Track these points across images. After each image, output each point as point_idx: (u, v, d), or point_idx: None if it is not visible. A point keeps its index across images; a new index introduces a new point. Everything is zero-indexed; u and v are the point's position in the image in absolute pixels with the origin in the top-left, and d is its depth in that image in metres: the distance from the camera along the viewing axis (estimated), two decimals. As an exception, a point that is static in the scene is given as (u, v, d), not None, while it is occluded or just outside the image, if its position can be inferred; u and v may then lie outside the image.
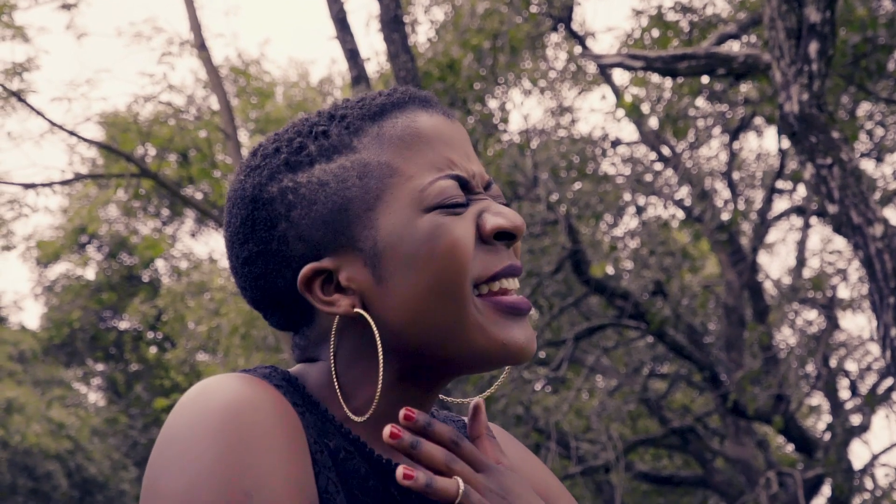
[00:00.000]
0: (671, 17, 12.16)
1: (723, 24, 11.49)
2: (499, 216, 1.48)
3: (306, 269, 1.47)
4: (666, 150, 15.29)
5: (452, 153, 1.51)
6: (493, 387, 1.62)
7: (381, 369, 1.44)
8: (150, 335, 28.09)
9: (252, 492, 1.25)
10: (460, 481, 1.35)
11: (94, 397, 30.88)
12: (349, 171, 1.48)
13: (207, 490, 1.24)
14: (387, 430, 1.33)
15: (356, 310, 1.45)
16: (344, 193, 1.47)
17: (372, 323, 1.44)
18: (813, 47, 6.30)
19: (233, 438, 1.27)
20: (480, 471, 1.41)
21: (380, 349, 1.44)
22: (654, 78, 13.39)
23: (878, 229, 6.14)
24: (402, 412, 1.37)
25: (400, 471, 1.31)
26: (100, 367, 29.89)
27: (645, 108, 13.36)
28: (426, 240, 1.43)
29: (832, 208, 6.28)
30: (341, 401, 1.47)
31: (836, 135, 6.27)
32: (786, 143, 14.91)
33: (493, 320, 1.45)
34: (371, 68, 11.01)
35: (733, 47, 9.96)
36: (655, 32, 12.11)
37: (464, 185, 1.49)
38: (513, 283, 1.50)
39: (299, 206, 1.49)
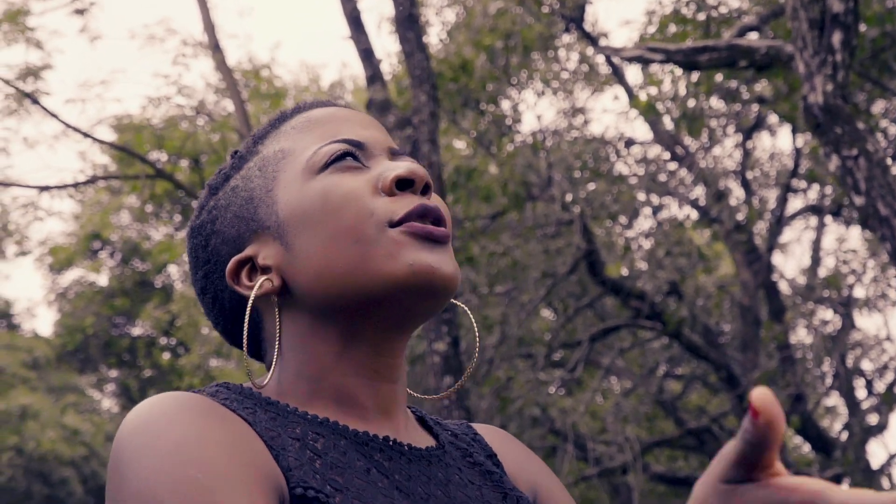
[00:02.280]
0: (687, 11, 12.11)
1: (742, 18, 11.44)
2: (396, 168, 1.47)
3: (230, 263, 1.50)
4: (680, 150, 15.24)
5: (343, 125, 1.54)
6: (464, 376, 1.59)
7: (277, 319, 1.46)
8: (163, 341, 28.10)
9: (198, 477, 1.22)
10: None
11: (108, 403, 30.92)
12: (252, 169, 1.55)
13: (159, 494, 1.21)
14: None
15: (277, 283, 1.46)
16: (248, 186, 1.53)
17: (285, 289, 1.46)
18: (836, 37, 6.24)
19: (170, 443, 1.26)
20: None
21: (277, 321, 1.46)
22: (668, 79, 13.36)
23: (906, 221, 6.08)
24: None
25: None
26: (113, 373, 29.91)
27: (660, 107, 13.32)
28: (318, 197, 1.45)
29: (858, 200, 6.22)
30: (272, 371, 1.47)
31: (861, 125, 6.22)
32: (800, 142, 14.88)
33: (402, 246, 1.41)
34: (383, 69, 10.99)
35: (753, 40, 9.88)
36: (672, 28, 12.06)
37: (357, 146, 1.51)
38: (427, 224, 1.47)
39: (220, 216, 1.55)
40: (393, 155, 1.54)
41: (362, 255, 1.41)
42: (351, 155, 1.49)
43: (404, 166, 1.47)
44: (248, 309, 1.47)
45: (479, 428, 1.70)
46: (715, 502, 0.94)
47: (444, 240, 1.45)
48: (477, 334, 1.68)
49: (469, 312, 1.61)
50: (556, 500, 1.62)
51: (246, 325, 1.47)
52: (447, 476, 1.47)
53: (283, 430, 1.37)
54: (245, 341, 1.47)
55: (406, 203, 1.45)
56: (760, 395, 0.89)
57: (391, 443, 1.43)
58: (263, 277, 1.47)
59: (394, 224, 1.43)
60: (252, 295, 1.47)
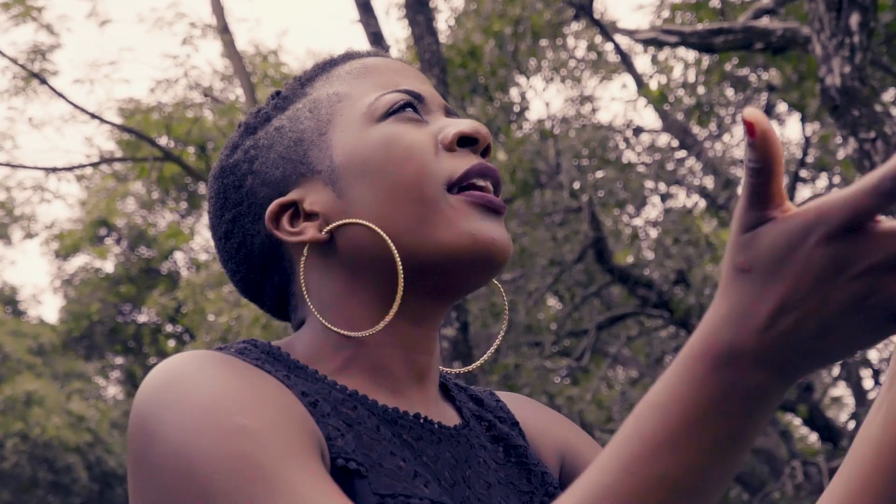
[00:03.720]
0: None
1: (756, 1, 11.39)
2: (458, 125, 1.43)
3: (272, 205, 1.43)
4: (688, 139, 15.20)
5: (401, 77, 1.50)
6: (478, 361, 1.53)
7: (398, 262, 1.37)
8: (169, 328, 28.12)
9: (246, 425, 1.14)
10: None
11: (114, 390, 30.96)
12: (301, 110, 1.48)
13: (203, 448, 1.13)
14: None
15: (325, 230, 1.40)
16: (297, 128, 1.46)
17: (363, 222, 1.38)
18: (854, 19, 6.19)
19: (210, 394, 1.19)
20: None
21: (388, 242, 1.36)
22: (677, 68, 13.32)
23: (924, 204, 6.01)
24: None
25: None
26: (119, 360, 29.92)
27: (670, 96, 13.29)
28: (380, 146, 1.40)
29: (876, 184, 6.15)
30: (328, 325, 1.39)
31: (878, 108, 6.17)
32: (809, 131, 14.84)
33: (462, 214, 1.37)
34: (392, 55, 10.94)
35: (769, 22, 9.84)
36: (685, 16, 12.03)
37: (417, 98, 1.46)
38: (487, 185, 1.42)
39: (260, 155, 1.48)
40: (448, 113, 1.50)
41: (421, 217, 1.37)
42: (412, 107, 1.44)
43: (468, 123, 1.43)
44: (304, 257, 1.42)
45: (502, 395, 1.65)
46: (742, 258, 0.94)
47: (502, 211, 1.41)
48: (506, 312, 1.64)
49: (503, 291, 1.58)
50: (584, 456, 1.57)
51: (301, 271, 1.42)
52: (472, 456, 1.42)
53: (319, 397, 1.31)
54: (304, 290, 1.41)
55: (466, 161, 1.41)
56: (751, 112, 0.90)
57: (422, 420, 1.39)
58: (310, 224, 1.41)
59: (453, 183, 1.39)
60: (297, 240, 1.41)
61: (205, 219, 26.56)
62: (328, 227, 1.40)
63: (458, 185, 1.39)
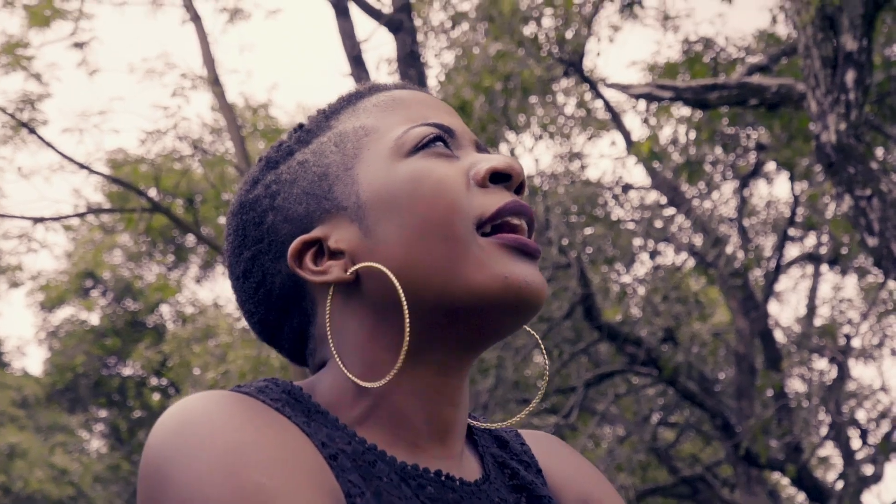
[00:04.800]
0: (692, 54, 12.12)
1: (747, 57, 11.44)
2: (491, 160, 1.37)
3: (295, 242, 1.37)
4: (677, 196, 15.22)
5: (430, 110, 1.44)
6: (523, 412, 1.46)
7: (406, 316, 1.31)
8: (153, 381, 28.01)
9: (263, 483, 1.11)
10: None
11: (97, 444, 30.77)
12: (326, 144, 1.43)
13: (215, 488, 1.10)
14: None
15: (350, 270, 1.34)
16: (322, 162, 1.41)
17: (381, 268, 1.32)
18: (850, 76, 6.20)
19: (226, 443, 1.15)
20: None
21: (399, 292, 1.31)
22: (667, 126, 13.36)
23: (920, 263, 6.02)
24: None
25: None
26: (103, 413, 29.79)
27: (659, 151, 13.32)
28: (408, 181, 1.34)
29: (872, 241, 6.15)
30: (346, 372, 1.34)
31: (874, 165, 6.16)
32: (798, 189, 14.86)
33: (496, 256, 1.32)
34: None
35: (764, 78, 9.88)
36: (679, 72, 12.07)
37: (447, 132, 1.40)
38: (522, 224, 1.36)
39: (282, 190, 1.42)
40: (478, 148, 1.44)
41: (452, 257, 1.31)
42: (441, 140, 1.38)
43: (501, 158, 1.37)
44: (330, 296, 1.36)
45: (528, 437, 1.58)
46: None
47: (536, 254, 1.35)
48: (546, 362, 1.57)
49: (539, 339, 1.53)
50: None
51: (328, 312, 1.36)
52: None
53: (339, 448, 1.26)
54: (329, 332, 1.36)
55: (499, 198, 1.35)
56: None
57: (443, 478, 1.33)
58: (335, 263, 1.36)
59: (485, 221, 1.33)
60: (322, 280, 1.36)
61: (192, 272, 26.56)
62: (354, 268, 1.35)
63: (491, 224, 1.34)
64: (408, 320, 1.31)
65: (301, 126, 1.49)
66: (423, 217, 1.32)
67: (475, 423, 1.50)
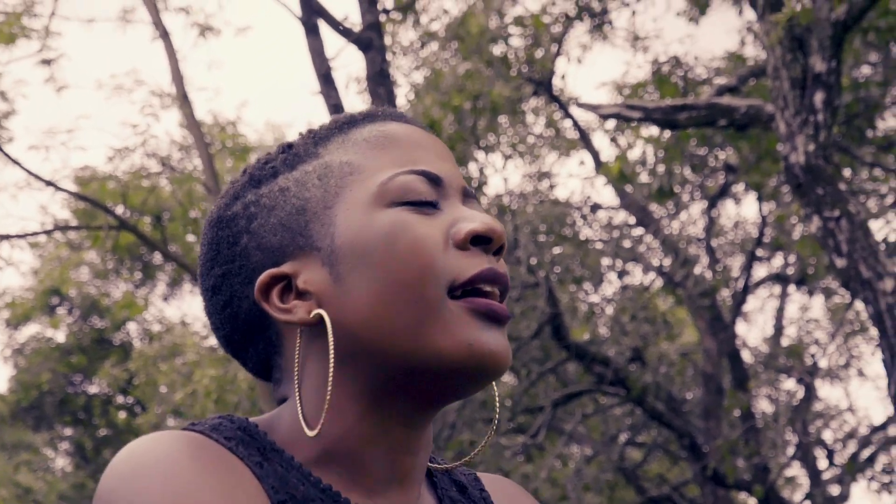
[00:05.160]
0: (664, 70, 12.16)
1: (715, 79, 11.48)
2: (473, 220, 1.34)
3: (263, 275, 1.35)
4: (646, 216, 15.26)
5: (421, 152, 1.40)
6: (473, 451, 1.44)
7: (330, 373, 1.29)
8: (120, 399, 27.86)
9: None
10: None
11: (62, 462, 30.55)
12: (310, 174, 1.39)
13: None
14: None
15: (314, 313, 1.32)
16: (303, 195, 1.37)
17: (327, 320, 1.30)
18: (818, 97, 6.22)
19: (172, 493, 1.14)
20: None
21: (331, 350, 1.29)
22: (636, 147, 13.40)
23: (888, 284, 6.02)
24: None
25: None
26: (68, 431, 29.58)
27: (630, 174, 13.36)
28: (385, 235, 1.31)
29: (840, 262, 6.16)
30: (303, 423, 1.32)
31: (843, 187, 6.18)
32: (765, 210, 14.92)
33: (462, 321, 1.29)
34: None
35: (733, 98, 9.92)
36: (648, 92, 12.11)
37: (433, 181, 1.36)
38: (494, 291, 1.34)
39: (259, 215, 1.39)
40: (464, 197, 1.41)
41: (419, 318, 1.28)
42: (428, 203, 1.35)
43: (482, 220, 1.34)
44: (299, 340, 1.35)
45: (487, 481, 1.56)
46: None
47: (504, 320, 1.33)
48: (497, 399, 1.58)
49: (495, 387, 1.49)
50: None
51: (297, 356, 1.35)
52: None
53: (286, 488, 1.25)
54: (293, 370, 1.35)
55: (476, 263, 1.32)
56: None
57: None
58: (301, 303, 1.33)
59: (457, 286, 1.31)
60: (285, 319, 1.33)
61: (159, 290, 26.46)
62: (316, 311, 1.32)
63: (463, 289, 1.31)
64: (332, 370, 1.30)
65: (290, 147, 1.45)
66: (395, 276, 1.29)
67: (435, 465, 1.48)
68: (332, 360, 1.29)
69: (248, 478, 1.21)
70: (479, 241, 1.34)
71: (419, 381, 1.31)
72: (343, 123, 1.45)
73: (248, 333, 1.42)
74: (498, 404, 1.56)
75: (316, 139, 1.44)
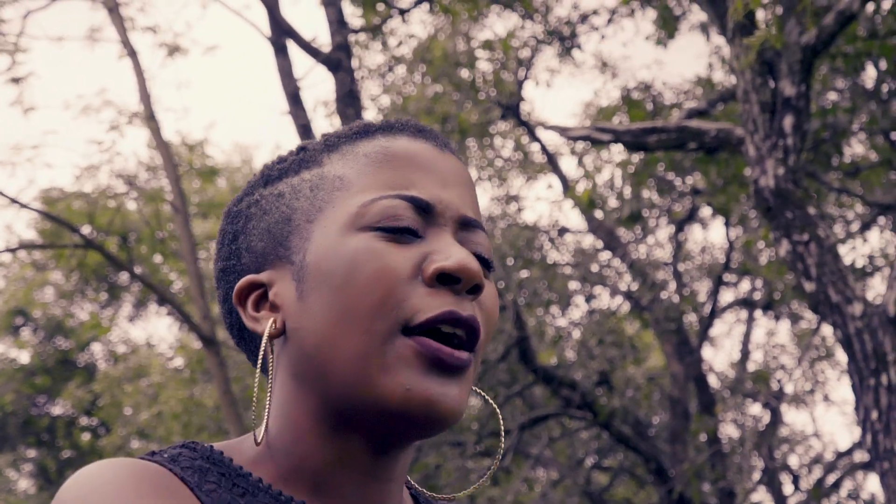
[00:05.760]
0: (634, 96, 12.21)
1: (687, 102, 11.52)
2: (447, 256, 1.27)
3: (242, 281, 1.34)
4: (613, 241, 15.29)
5: (419, 174, 1.34)
6: (471, 487, 1.38)
7: (268, 392, 1.30)
8: (84, 421, 27.70)
9: None
10: None
11: (25, 484, 30.35)
12: (306, 182, 1.36)
13: None
14: None
15: (276, 327, 1.30)
16: (293, 204, 1.35)
17: (265, 336, 1.30)
18: (788, 121, 6.24)
19: None
20: None
21: (271, 364, 1.29)
22: (604, 171, 13.43)
23: (857, 308, 6.03)
24: None
25: None
26: (31, 452, 29.39)
27: (597, 200, 13.39)
28: (349, 260, 1.26)
29: (809, 286, 6.17)
30: (258, 433, 1.30)
31: (812, 211, 6.19)
32: (733, 235, 14.96)
33: (405, 363, 1.23)
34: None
35: (703, 122, 9.95)
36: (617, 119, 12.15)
37: (421, 208, 1.30)
38: (456, 333, 1.27)
39: (255, 216, 1.38)
40: (461, 227, 1.34)
41: (364, 353, 1.24)
42: (408, 230, 1.29)
43: (456, 258, 1.27)
44: (271, 355, 1.33)
45: None
46: None
47: (455, 368, 1.26)
48: (502, 430, 1.51)
49: (499, 413, 1.47)
50: None
51: (259, 365, 1.31)
52: None
53: None
54: (257, 385, 1.31)
55: (439, 303, 1.25)
56: None
57: None
58: (269, 315, 1.32)
59: (412, 325, 1.24)
60: (252, 328, 1.33)
61: (124, 311, 26.35)
62: (280, 326, 1.31)
63: (420, 328, 1.25)
64: (256, 392, 1.29)
65: (303, 149, 1.42)
66: (350, 304, 1.25)
67: (422, 492, 1.46)
68: (258, 371, 1.29)
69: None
70: (449, 280, 1.27)
71: (362, 417, 1.26)
72: (355, 133, 1.41)
73: (241, 331, 1.41)
74: (503, 436, 1.50)
75: (327, 145, 1.40)
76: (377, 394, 1.23)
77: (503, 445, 1.45)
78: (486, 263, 1.35)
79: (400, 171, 1.33)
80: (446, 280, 1.27)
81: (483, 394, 1.48)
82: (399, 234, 1.28)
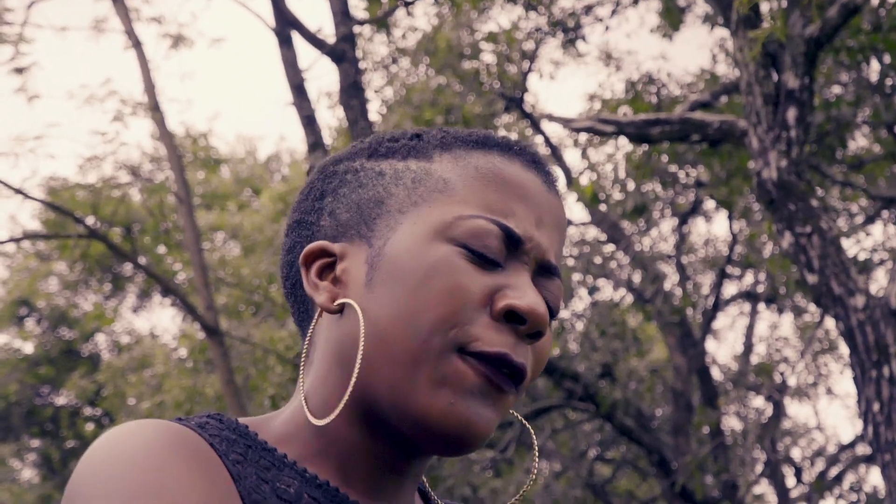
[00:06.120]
0: (638, 87, 12.20)
1: (691, 95, 11.51)
2: (521, 295, 1.27)
3: (314, 244, 1.34)
4: (617, 233, 15.29)
5: (520, 206, 1.33)
6: (519, 492, 1.40)
7: (357, 364, 1.26)
8: (88, 411, 27.73)
9: None
10: None
11: (29, 474, 30.39)
12: (410, 172, 1.36)
13: None
14: None
15: (336, 303, 1.30)
16: (390, 189, 1.35)
17: (359, 310, 1.28)
18: (791, 113, 6.23)
19: (144, 483, 1.11)
20: None
21: (361, 342, 1.26)
22: (608, 164, 13.42)
23: (859, 300, 6.03)
24: None
25: None
26: (35, 442, 29.42)
27: (601, 194, 13.39)
28: (428, 267, 1.26)
29: (812, 278, 6.17)
30: (304, 405, 1.30)
31: (815, 203, 6.19)
32: (736, 228, 14.96)
33: (460, 383, 1.24)
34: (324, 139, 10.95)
35: (706, 114, 9.94)
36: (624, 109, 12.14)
37: (511, 241, 1.30)
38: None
39: (349, 184, 1.38)
40: (541, 270, 1.34)
41: (417, 361, 1.24)
42: (490, 260, 1.28)
43: (529, 300, 1.26)
44: (315, 319, 1.34)
45: None
46: None
47: (502, 394, 1.27)
48: (535, 449, 1.49)
49: (531, 429, 1.47)
50: None
51: (309, 333, 1.35)
52: None
53: (273, 490, 1.22)
54: (303, 355, 1.35)
55: (498, 341, 1.25)
56: None
57: None
58: (331, 287, 1.32)
59: (465, 352, 1.24)
60: (310, 295, 1.33)
61: (128, 302, 26.35)
62: (339, 301, 1.31)
63: (472, 356, 1.25)
64: (356, 374, 1.27)
65: (418, 137, 1.42)
66: (416, 310, 1.25)
67: (429, 492, 1.47)
68: (360, 357, 1.27)
69: (224, 477, 1.18)
70: (514, 319, 1.27)
71: (396, 421, 1.27)
72: (474, 140, 1.40)
73: (295, 287, 1.41)
74: (536, 450, 1.50)
75: (442, 142, 1.40)
76: (420, 405, 1.24)
77: (536, 462, 1.45)
78: (551, 312, 1.35)
79: (505, 197, 1.33)
80: (512, 318, 1.27)
81: (517, 415, 1.48)
82: (482, 259, 1.28)
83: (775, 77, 6.58)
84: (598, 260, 15.23)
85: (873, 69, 9.76)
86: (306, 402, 1.31)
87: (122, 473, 1.12)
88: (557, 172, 1.43)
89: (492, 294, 1.27)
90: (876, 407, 6.05)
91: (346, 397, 1.27)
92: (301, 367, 1.34)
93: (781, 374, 16.71)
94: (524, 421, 1.47)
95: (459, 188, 1.33)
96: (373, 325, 1.27)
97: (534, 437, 1.45)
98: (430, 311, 1.24)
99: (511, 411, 1.41)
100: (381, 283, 1.28)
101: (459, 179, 1.33)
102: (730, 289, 17.03)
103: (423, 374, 1.24)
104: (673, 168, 13.03)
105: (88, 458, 1.17)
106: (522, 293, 1.27)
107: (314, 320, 1.34)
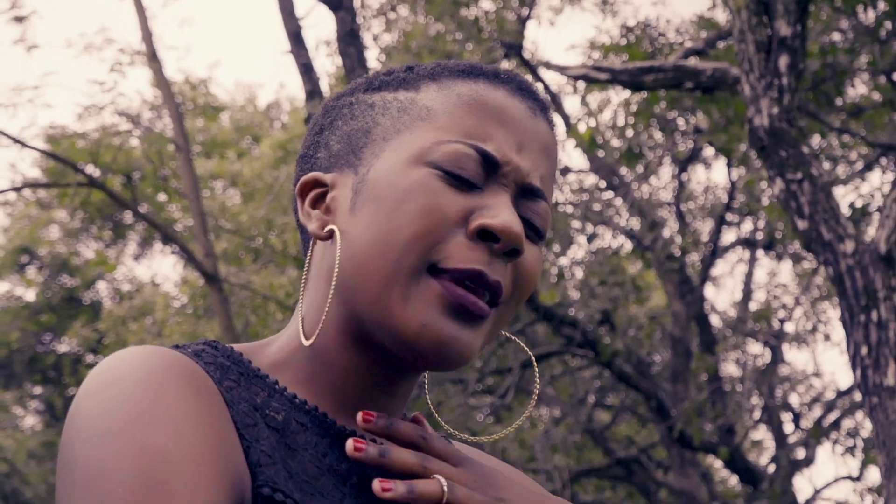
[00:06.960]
0: (631, 37, 12.17)
1: (688, 42, 11.49)
2: (495, 215, 1.30)
3: (308, 175, 1.40)
4: (615, 180, 15.27)
5: (500, 131, 1.36)
6: (502, 432, 1.46)
7: (330, 294, 1.32)
8: (89, 358, 27.79)
9: (169, 447, 1.12)
10: (441, 479, 1.22)
11: (32, 420, 30.47)
12: (397, 102, 1.39)
13: (119, 455, 1.11)
14: (350, 444, 1.21)
15: (325, 230, 1.35)
16: (378, 119, 1.39)
17: (338, 234, 1.33)
18: (783, 61, 6.25)
19: (143, 403, 1.15)
20: (457, 464, 1.28)
21: (336, 263, 1.31)
22: (606, 111, 13.40)
23: (848, 246, 6.08)
24: (359, 415, 1.26)
25: (376, 485, 1.19)
26: (38, 389, 29.50)
27: (599, 139, 13.36)
28: (405, 190, 1.30)
29: (802, 224, 6.21)
30: (301, 328, 1.36)
31: (806, 150, 6.22)
32: (735, 175, 14.96)
33: (426, 300, 1.28)
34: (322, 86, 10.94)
35: (699, 62, 9.92)
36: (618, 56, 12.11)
37: (489, 163, 1.33)
38: (479, 290, 1.30)
39: (343, 118, 1.42)
40: (523, 193, 1.36)
41: (389, 281, 1.29)
42: (467, 181, 1.32)
43: (503, 218, 1.30)
44: (310, 251, 1.40)
45: (463, 450, 1.53)
46: None
47: (477, 317, 1.30)
48: (537, 382, 1.54)
49: (535, 367, 1.51)
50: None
51: (307, 263, 1.41)
52: None
53: (263, 416, 1.26)
54: (302, 282, 1.40)
55: (471, 258, 1.29)
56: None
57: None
58: (321, 216, 1.38)
59: (440, 269, 1.29)
60: (303, 223, 1.39)
61: (129, 250, 26.39)
62: (328, 228, 1.35)
63: (445, 275, 1.30)
64: (331, 294, 1.32)
65: (411, 69, 1.45)
66: (391, 230, 1.29)
67: (447, 430, 1.51)
68: (335, 278, 1.32)
69: (218, 402, 1.23)
70: (489, 238, 1.31)
71: (379, 337, 1.32)
72: (461, 70, 1.42)
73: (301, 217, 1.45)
74: (537, 388, 1.55)
75: (432, 73, 1.43)
76: (394, 322, 1.28)
77: (534, 399, 1.49)
78: (537, 232, 1.38)
79: (483, 122, 1.36)
80: (487, 237, 1.30)
81: (522, 345, 1.54)
82: (459, 181, 1.31)
83: (768, 25, 6.59)
84: (597, 207, 15.24)
85: (870, 17, 9.76)
86: (303, 324, 1.36)
87: (121, 396, 1.16)
88: (547, 102, 1.46)
89: (467, 215, 1.31)
90: (864, 350, 6.11)
91: (323, 316, 1.32)
92: (301, 293, 1.38)
93: (780, 320, 16.76)
94: (532, 357, 1.52)
95: (441, 115, 1.36)
96: (351, 246, 1.32)
97: (537, 378, 1.51)
98: (404, 230, 1.29)
99: (524, 347, 1.51)
100: (362, 207, 1.33)
101: (442, 107, 1.37)
102: (729, 236, 17.05)
103: (395, 292, 1.28)
104: (671, 115, 13.02)
105: (88, 381, 1.22)
106: (497, 212, 1.30)
107: (310, 252, 1.40)
